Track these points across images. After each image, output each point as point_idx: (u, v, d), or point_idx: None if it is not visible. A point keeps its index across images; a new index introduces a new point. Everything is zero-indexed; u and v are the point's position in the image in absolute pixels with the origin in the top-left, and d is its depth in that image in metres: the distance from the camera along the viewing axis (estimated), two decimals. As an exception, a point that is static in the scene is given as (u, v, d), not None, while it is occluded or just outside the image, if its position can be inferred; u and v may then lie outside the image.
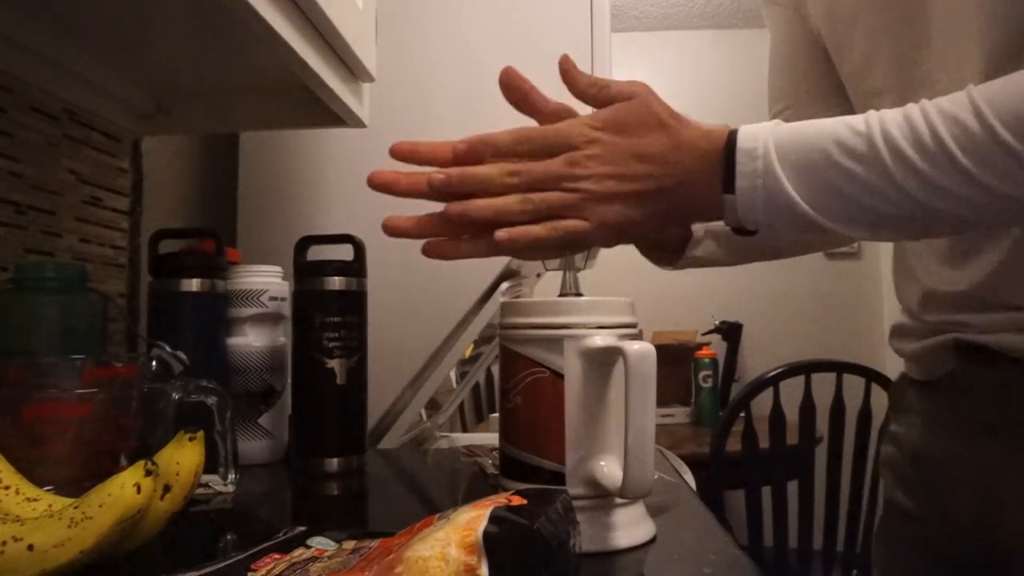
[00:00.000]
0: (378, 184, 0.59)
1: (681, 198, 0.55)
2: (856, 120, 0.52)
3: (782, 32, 0.79)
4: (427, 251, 0.58)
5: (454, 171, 0.56)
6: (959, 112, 0.49)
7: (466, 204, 0.55)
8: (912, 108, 0.51)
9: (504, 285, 1.10)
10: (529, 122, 0.61)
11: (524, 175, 0.55)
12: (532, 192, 0.54)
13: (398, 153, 0.60)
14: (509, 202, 0.54)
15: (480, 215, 0.54)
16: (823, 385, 1.86)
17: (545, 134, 0.57)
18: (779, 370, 1.84)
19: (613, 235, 0.56)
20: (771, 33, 0.81)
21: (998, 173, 0.48)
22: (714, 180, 0.54)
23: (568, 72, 0.59)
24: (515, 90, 0.61)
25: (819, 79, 0.76)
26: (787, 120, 0.56)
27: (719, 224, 0.58)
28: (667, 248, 0.68)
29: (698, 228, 0.67)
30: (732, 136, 0.54)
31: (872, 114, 0.52)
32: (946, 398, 0.69)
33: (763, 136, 0.53)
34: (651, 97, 0.56)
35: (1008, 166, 0.47)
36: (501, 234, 0.54)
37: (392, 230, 0.58)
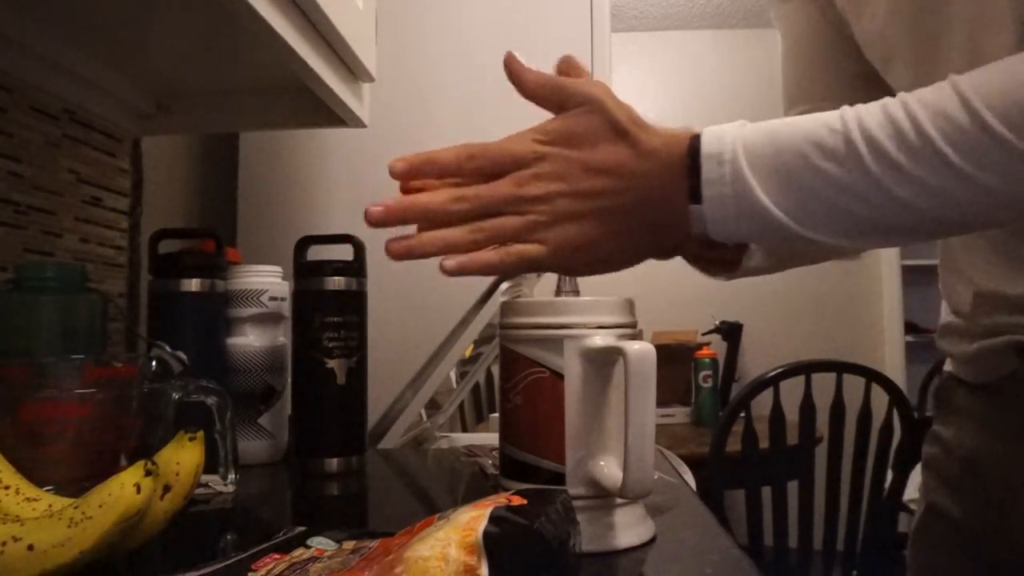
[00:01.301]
0: (373, 221, 0.53)
1: (646, 211, 0.51)
2: (831, 117, 0.48)
3: (797, 29, 0.75)
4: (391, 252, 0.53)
5: (392, 202, 0.51)
6: (944, 103, 0.45)
7: (410, 244, 0.51)
8: (891, 102, 0.47)
9: (504, 285, 1.10)
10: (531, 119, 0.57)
11: (471, 200, 0.51)
12: (481, 218, 0.51)
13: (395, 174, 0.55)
14: (457, 234, 0.51)
15: (427, 252, 0.51)
16: (823, 385, 1.86)
17: (489, 151, 0.52)
18: (779, 370, 1.84)
19: (574, 258, 0.52)
20: (784, 33, 0.77)
21: (990, 167, 0.44)
22: (679, 189, 0.49)
23: (514, 71, 0.54)
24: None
25: (839, 73, 0.72)
26: None
27: None
28: (719, 260, 0.62)
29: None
30: (695, 140, 0.50)
31: (848, 110, 0.48)
32: (1003, 402, 0.64)
33: (730, 138, 0.49)
34: (608, 100, 0.52)
35: (1000, 159, 0.44)
36: (449, 264, 0.50)
37: (393, 254, 0.53)
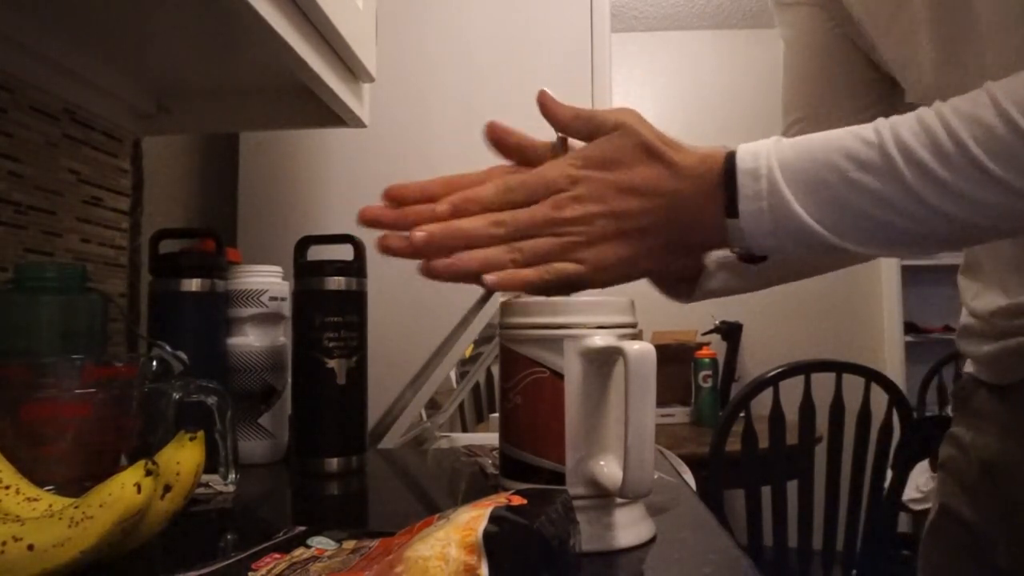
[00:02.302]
0: (366, 220, 0.56)
1: (681, 229, 0.52)
2: (865, 129, 0.48)
3: (802, 33, 0.75)
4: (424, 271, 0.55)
5: (436, 227, 0.53)
6: (980, 111, 0.45)
7: (452, 261, 0.52)
8: (926, 111, 0.47)
9: (504, 285, 1.10)
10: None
11: (509, 224, 0.52)
12: (520, 241, 0.52)
13: (389, 197, 0.57)
14: (496, 253, 0.52)
15: (467, 269, 0.52)
16: (823, 385, 1.87)
17: (526, 182, 0.54)
18: (779, 370, 1.84)
19: (613, 276, 0.53)
20: (787, 38, 0.77)
21: (1019, 170, 0.44)
22: (715, 205, 0.50)
23: (548, 107, 0.56)
24: (502, 144, 0.59)
25: (844, 80, 0.72)
26: (803, 131, 0.53)
27: (731, 256, 0.56)
28: (681, 280, 0.63)
29: (710, 260, 0.62)
30: (731, 157, 0.50)
31: (882, 121, 0.48)
32: (1018, 403, 0.64)
33: (765, 153, 0.50)
34: (638, 124, 0.53)
35: None
36: (490, 278, 0.52)
37: (385, 249, 0.55)
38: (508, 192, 0.54)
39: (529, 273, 0.52)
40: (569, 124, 0.55)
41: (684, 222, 0.52)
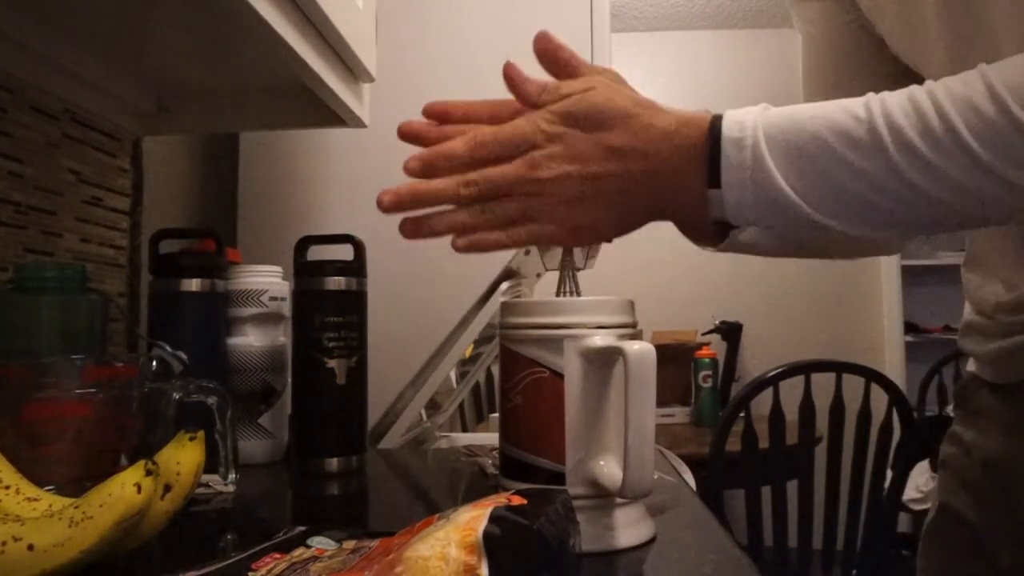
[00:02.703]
0: (405, 134, 0.55)
1: (658, 194, 0.51)
2: (855, 104, 0.47)
3: (818, 27, 0.74)
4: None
5: (403, 189, 0.52)
6: (973, 95, 0.44)
7: (419, 223, 0.52)
8: (918, 91, 0.46)
9: (504, 285, 1.10)
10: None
11: (481, 184, 0.51)
12: (492, 200, 0.51)
13: (430, 114, 0.56)
14: (466, 216, 0.52)
15: (436, 232, 0.52)
16: (823, 385, 1.86)
17: (500, 136, 0.52)
18: (779, 370, 1.84)
19: (582, 235, 0.52)
20: (805, 33, 0.76)
21: (1014, 160, 0.43)
22: (697, 173, 0.49)
23: (513, 81, 0.54)
24: (550, 57, 0.56)
25: (862, 72, 0.70)
26: None
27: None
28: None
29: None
30: (716, 123, 0.49)
31: (872, 97, 0.47)
32: (1018, 402, 0.64)
33: (751, 122, 0.48)
34: (615, 84, 0.52)
35: (1019, 148, 0.43)
36: (460, 242, 0.52)
37: (405, 233, 0.55)
38: (481, 147, 0.52)
39: (500, 236, 0.52)
40: (538, 98, 0.53)
41: (661, 187, 0.50)
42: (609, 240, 0.55)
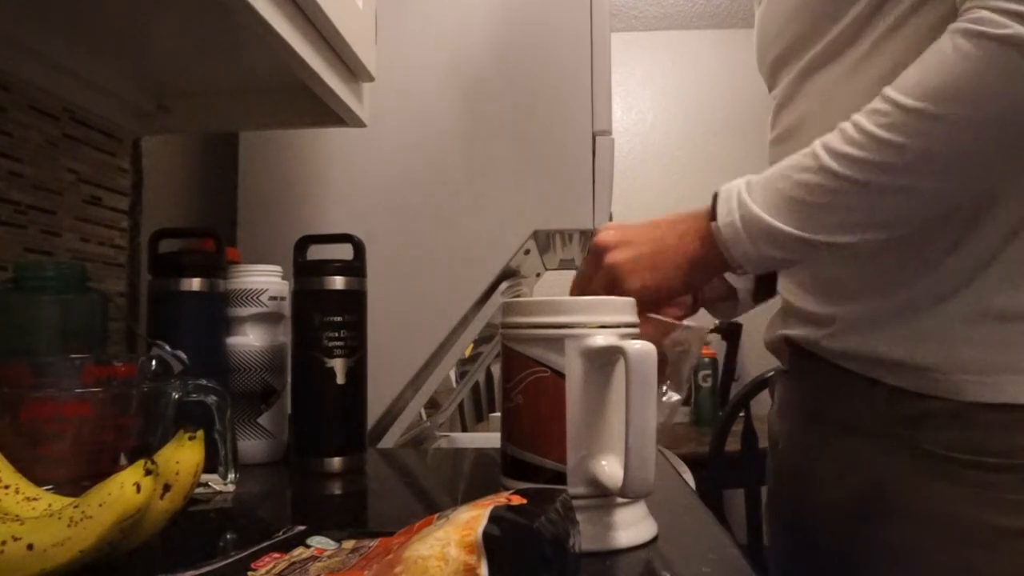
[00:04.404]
0: None
1: (679, 238, 0.65)
2: (806, 150, 0.61)
3: None
4: None
5: None
6: (875, 104, 0.58)
7: None
8: (843, 124, 0.59)
9: (504, 285, 1.10)
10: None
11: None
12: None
13: None
14: None
15: None
16: (823, 385, 1.86)
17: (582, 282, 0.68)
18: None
19: (654, 294, 0.65)
20: None
21: (912, 133, 0.55)
22: (706, 238, 0.63)
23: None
24: None
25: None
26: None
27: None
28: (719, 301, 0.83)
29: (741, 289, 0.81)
30: (715, 195, 0.64)
31: (816, 141, 0.60)
32: (788, 386, 0.81)
33: (736, 184, 0.63)
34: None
35: (916, 123, 0.55)
36: None
37: None
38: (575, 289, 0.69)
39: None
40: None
41: (687, 233, 0.65)
42: (680, 292, 0.68)
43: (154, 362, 0.67)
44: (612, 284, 0.65)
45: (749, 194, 0.61)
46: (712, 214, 0.63)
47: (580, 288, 0.68)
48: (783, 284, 0.80)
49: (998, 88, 0.54)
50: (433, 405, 1.30)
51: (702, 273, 0.66)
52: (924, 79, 0.56)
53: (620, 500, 0.52)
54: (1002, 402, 0.59)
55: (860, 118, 0.58)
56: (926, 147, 0.56)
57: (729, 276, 0.77)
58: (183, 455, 0.53)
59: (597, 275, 0.66)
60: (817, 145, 0.60)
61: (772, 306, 0.85)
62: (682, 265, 0.65)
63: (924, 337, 0.63)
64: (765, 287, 0.81)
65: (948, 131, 0.55)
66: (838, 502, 0.70)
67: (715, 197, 0.64)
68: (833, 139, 0.59)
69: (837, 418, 0.71)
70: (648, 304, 0.65)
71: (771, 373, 0.91)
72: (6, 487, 0.49)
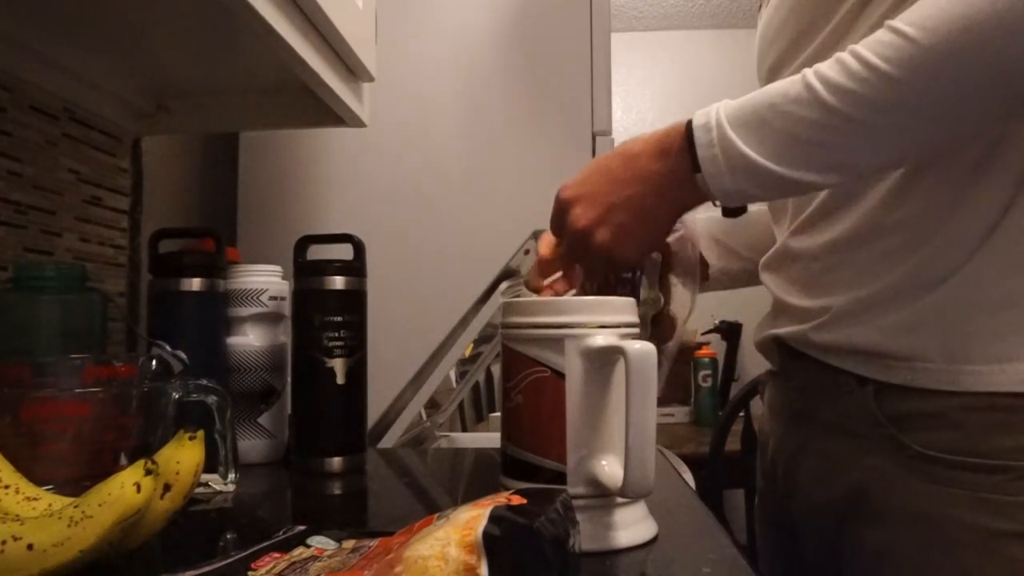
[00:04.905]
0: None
1: (665, 193, 0.61)
2: (794, 76, 0.57)
3: None
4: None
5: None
6: (878, 35, 0.54)
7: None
8: (841, 53, 0.55)
9: (503, 284, 1.10)
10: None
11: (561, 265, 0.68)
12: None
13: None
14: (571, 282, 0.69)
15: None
16: (823, 385, 1.86)
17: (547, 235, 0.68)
18: (779, 370, 1.84)
19: (626, 244, 0.62)
20: None
21: (909, 66, 0.52)
22: (684, 166, 0.59)
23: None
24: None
25: None
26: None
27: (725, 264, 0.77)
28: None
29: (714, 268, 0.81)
30: (688, 122, 0.59)
31: (807, 69, 0.56)
32: (777, 387, 0.80)
33: (714, 110, 0.59)
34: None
35: (915, 56, 0.52)
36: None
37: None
38: (544, 246, 0.68)
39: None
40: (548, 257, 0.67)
41: (667, 187, 0.61)
42: (660, 242, 0.66)
43: (154, 362, 0.67)
44: (611, 262, 0.64)
45: (730, 124, 0.57)
46: (689, 144, 0.59)
47: (576, 265, 0.66)
48: (773, 282, 0.79)
49: (1014, 25, 0.50)
50: (433, 405, 1.30)
51: (683, 212, 0.64)
52: (933, 12, 0.52)
53: (620, 500, 0.52)
54: (994, 391, 0.59)
55: (861, 49, 0.54)
56: (926, 84, 0.52)
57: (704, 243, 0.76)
58: (183, 455, 0.53)
59: (595, 260, 0.64)
60: (810, 75, 0.55)
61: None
62: (663, 225, 0.64)
63: (918, 327, 0.62)
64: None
65: (954, 69, 0.52)
66: (826, 503, 0.69)
67: (688, 125, 0.59)
68: (829, 70, 0.55)
69: (825, 419, 0.70)
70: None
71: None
72: (6, 487, 0.49)
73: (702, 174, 0.58)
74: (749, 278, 0.90)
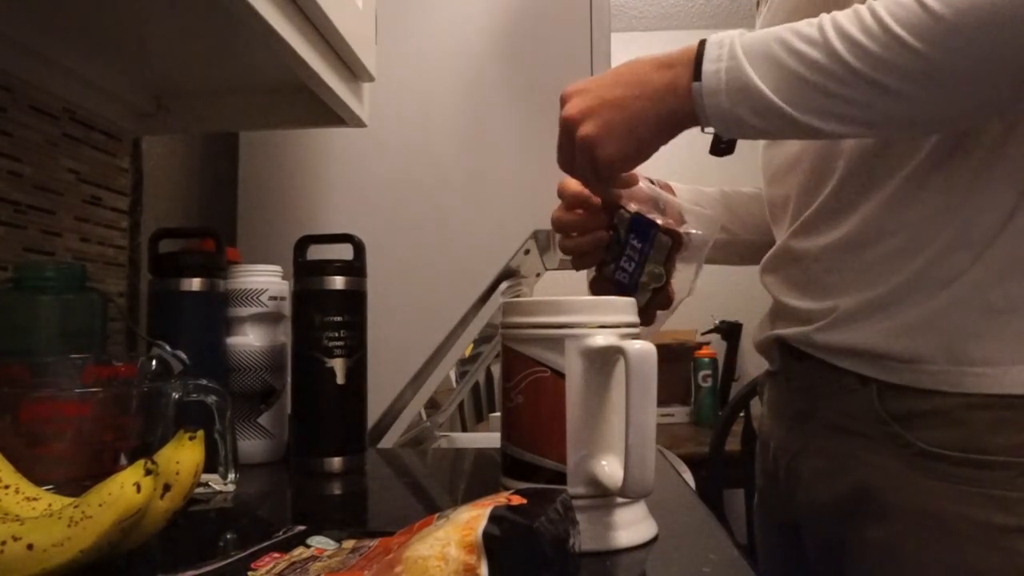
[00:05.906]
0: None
1: (660, 97, 0.62)
2: (812, 19, 0.58)
3: None
4: None
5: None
6: None
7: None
8: (859, 5, 0.56)
9: (503, 285, 1.10)
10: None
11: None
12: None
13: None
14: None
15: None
16: (823, 385, 1.86)
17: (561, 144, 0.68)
18: (779, 370, 1.83)
19: (612, 138, 0.64)
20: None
21: (929, 39, 0.53)
22: (683, 77, 0.61)
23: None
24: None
25: None
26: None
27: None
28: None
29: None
30: (703, 40, 0.62)
31: (824, 14, 0.58)
32: (778, 387, 0.80)
33: (730, 34, 0.61)
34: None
35: (939, 30, 0.52)
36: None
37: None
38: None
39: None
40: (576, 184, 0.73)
41: (663, 91, 0.62)
42: (645, 151, 0.66)
43: (154, 362, 0.67)
44: (591, 158, 0.65)
45: (742, 48, 0.59)
46: (698, 56, 0.60)
47: (565, 164, 0.68)
48: (773, 283, 0.78)
49: None
50: (433, 405, 1.30)
51: (673, 130, 0.64)
52: None
53: (620, 500, 0.52)
54: (998, 393, 0.59)
55: (879, 8, 0.55)
56: (943, 60, 0.53)
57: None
58: (183, 455, 0.53)
59: (577, 154, 0.66)
60: (826, 20, 0.57)
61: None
62: (650, 134, 0.64)
63: (922, 329, 0.62)
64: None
65: (970, 47, 0.52)
66: (828, 502, 0.69)
67: (703, 43, 0.61)
68: (845, 19, 0.56)
69: (827, 418, 0.70)
70: (626, 167, 0.67)
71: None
72: (6, 487, 0.49)
73: (700, 84, 0.59)
74: (749, 252, 0.92)
